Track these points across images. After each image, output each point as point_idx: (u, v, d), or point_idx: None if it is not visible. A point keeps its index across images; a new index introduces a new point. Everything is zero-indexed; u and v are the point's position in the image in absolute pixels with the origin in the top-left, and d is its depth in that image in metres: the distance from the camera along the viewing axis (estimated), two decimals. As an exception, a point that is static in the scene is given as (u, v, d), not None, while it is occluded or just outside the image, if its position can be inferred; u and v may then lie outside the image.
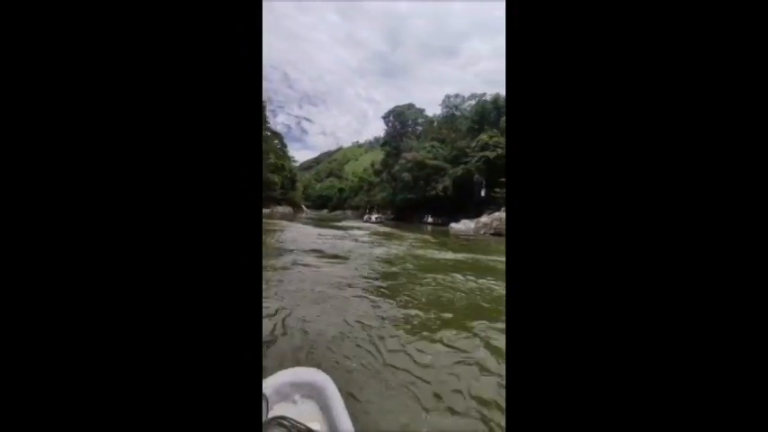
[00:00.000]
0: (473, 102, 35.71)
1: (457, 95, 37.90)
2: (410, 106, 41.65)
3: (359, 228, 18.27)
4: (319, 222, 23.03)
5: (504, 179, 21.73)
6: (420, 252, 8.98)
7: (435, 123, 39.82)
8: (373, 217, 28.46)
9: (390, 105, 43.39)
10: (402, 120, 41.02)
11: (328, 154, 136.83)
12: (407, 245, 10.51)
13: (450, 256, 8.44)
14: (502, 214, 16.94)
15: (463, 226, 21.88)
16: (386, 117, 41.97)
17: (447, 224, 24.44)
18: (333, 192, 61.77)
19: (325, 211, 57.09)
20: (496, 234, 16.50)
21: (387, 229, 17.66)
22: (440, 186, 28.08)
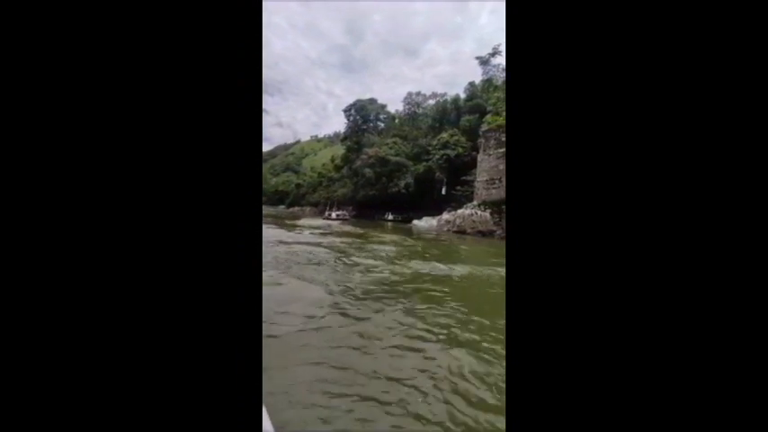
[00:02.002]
0: (432, 101, 36.24)
1: (419, 93, 38.35)
2: (372, 101, 41.05)
3: (318, 228, 16.72)
4: (275, 220, 21.41)
5: (464, 177, 22.21)
6: (419, 266, 6.62)
7: (397, 120, 39.70)
8: (334, 214, 27.32)
9: (351, 100, 42.20)
10: (364, 114, 40.28)
11: (285, 147, 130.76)
12: (392, 257, 8.02)
13: (461, 270, 6.51)
14: (465, 211, 17.14)
15: (425, 223, 22.06)
16: (347, 110, 40.90)
17: (408, 221, 24.44)
18: (290, 187, 58.89)
19: (281, 207, 54.31)
20: (459, 232, 16.66)
21: (355, 230, 16.46)
22: (402, 183, 28.02)
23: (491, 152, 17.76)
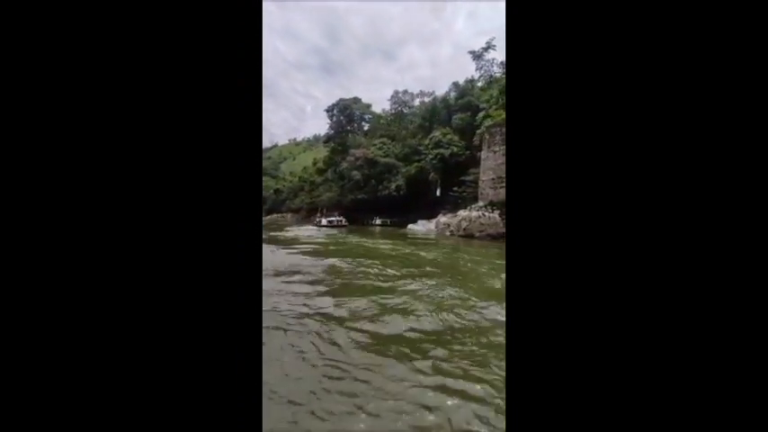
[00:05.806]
0: (418, 102, 34.99)
1: (406, 92, 37.18)
2: (356, 100, 39.47)
3: (322, 245, 10.87)
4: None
5: (461, 178, 20.68)
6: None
7: (382, 120, 38.01)
8: (325, 220, 24.90)
9: (330, 102, 40.09)
10: (348, 114, 38.63)
11: (261, 151, 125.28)
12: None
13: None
14: (471, 213, 15.52)
15: (422, 227, 20.52)
16: (329, 110, 39.19)
17: (401, 225, 22.65)
18: (268, 193, 55.42)
19: (260, 214, 50.60)
20: (466, 236, 14.91)
21: (376, 243, 11.54)
22: (392, 185, 26.34)
23: (496, 149, 16.42)
